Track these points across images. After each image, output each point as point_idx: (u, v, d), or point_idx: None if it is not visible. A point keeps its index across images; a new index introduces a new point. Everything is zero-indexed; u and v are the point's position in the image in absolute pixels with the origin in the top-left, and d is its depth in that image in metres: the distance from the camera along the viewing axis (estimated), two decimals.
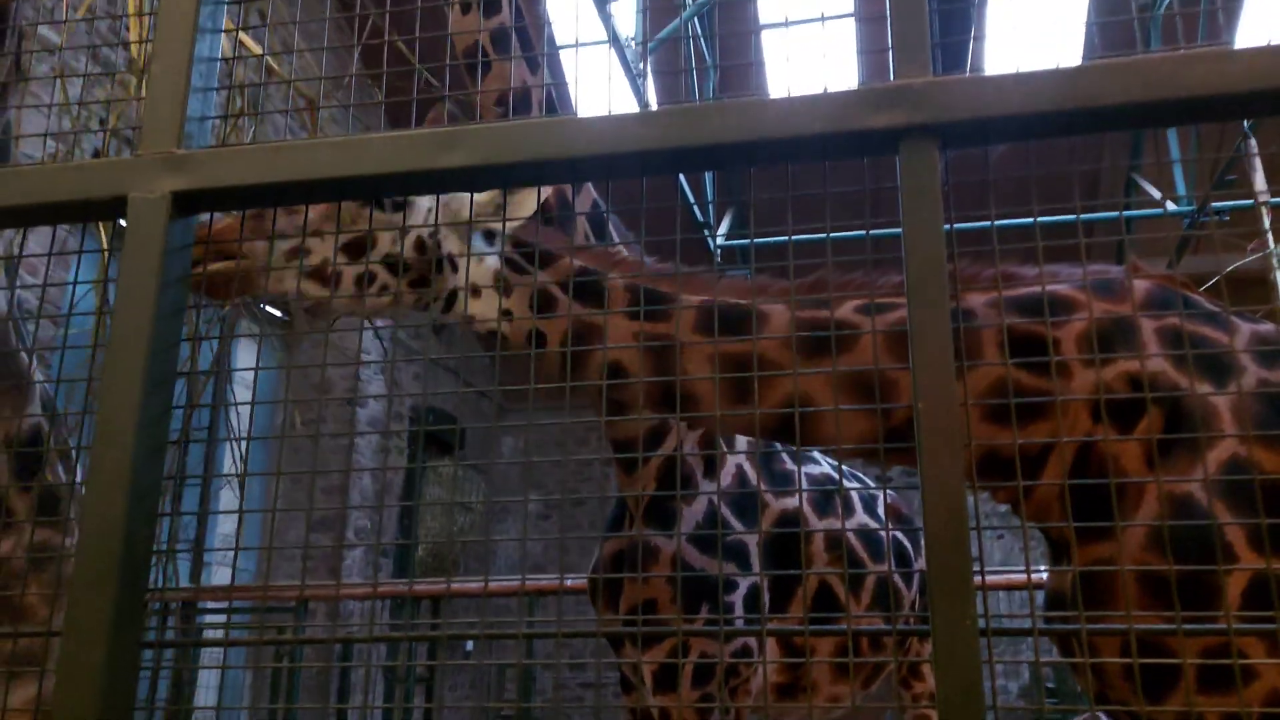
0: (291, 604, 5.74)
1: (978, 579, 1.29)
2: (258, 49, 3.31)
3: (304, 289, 2.07)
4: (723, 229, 8.60)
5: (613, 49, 6.82)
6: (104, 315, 1.65)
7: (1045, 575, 2.03)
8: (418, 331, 9.35)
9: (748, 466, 2.68)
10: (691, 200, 8.19)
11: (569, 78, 7.52)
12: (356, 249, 2.10)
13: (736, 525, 2.58)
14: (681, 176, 7.04)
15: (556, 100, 2.86)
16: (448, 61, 2.00)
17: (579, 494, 10.67)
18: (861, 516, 2.93)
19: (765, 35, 8.20)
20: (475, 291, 2.17)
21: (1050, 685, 5.71)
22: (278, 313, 6.60)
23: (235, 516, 1.71)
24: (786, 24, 7.22)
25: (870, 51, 7.37)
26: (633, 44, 6.96)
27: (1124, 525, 1.73)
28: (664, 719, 2.48)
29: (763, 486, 2.67)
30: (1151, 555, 1.70)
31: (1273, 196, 6.39)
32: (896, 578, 2.92)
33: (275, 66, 3.59)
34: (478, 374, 10.76)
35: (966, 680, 1.22)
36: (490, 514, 10.95)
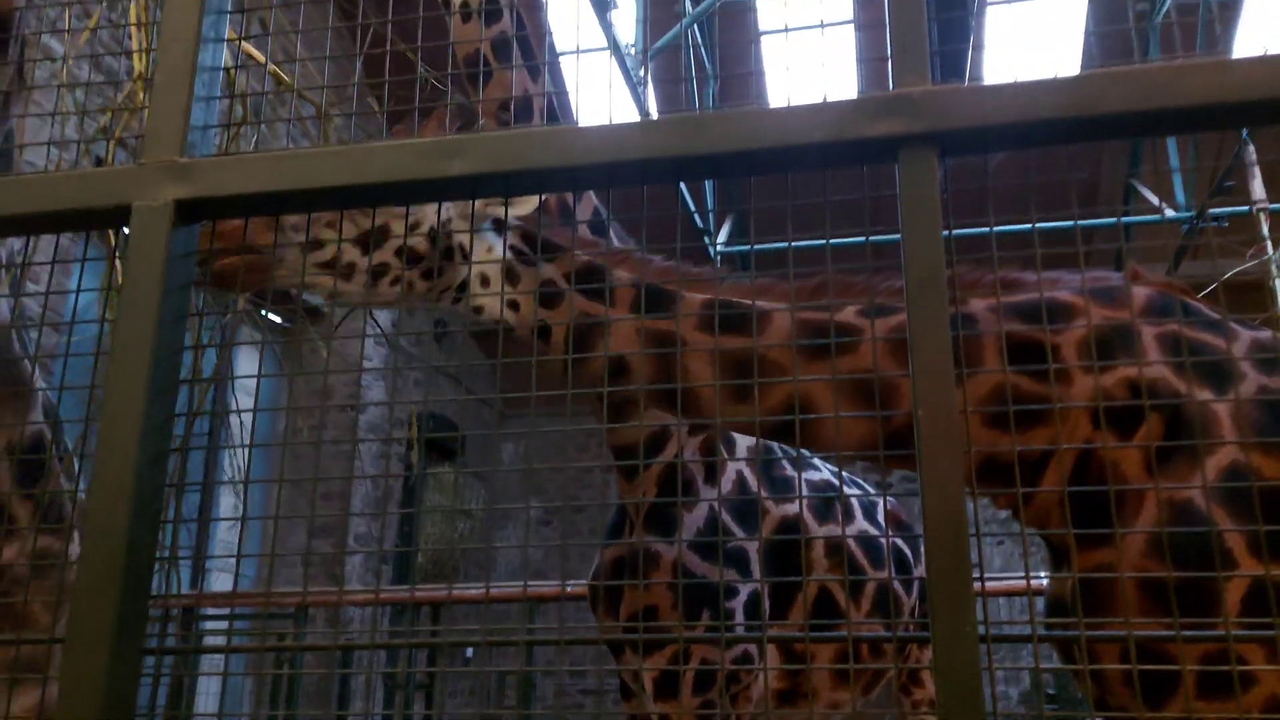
0: (291, 610, 5.73)
1: (977, 585, 1.29)
2: (262, 57, 3.32)
3: (317, 281, 2.08)
4: (722, 236, 8.62)
5: (613, 57, 6.84)
6: (107, 323, 1.66)
7: (1045, 581, 2.04)
8: (419, 339, 9.35)
9: (748, 473, 2.69)
10: (692, 208, 8.20)
11: (570, 85, 7.54)
12: (371, 240, 2.11)
13: (737, 531, 2.58)
14: (682, 184, 7.05)
15: (558, 108, 2.88)
16: (449, 70, 2.01)
17: (579, 500, 10.67)
18: (862, 523, 2.94)
19: (765, 44, 8.23)
20: (484, 282, 2.19)
21: (1050, 691, 5.70)
22: (279, 319, 6.61)
23: (232, 523, 1.72)
24: (786, 30, 7.23)
25: (869, 60, 7.40)
26: (632, 51, 6.98)
27: (1124, 532, 1.73)
28: None
29: (763, 493, 2.67)
30: (1151, 561, 1.70)
31: (1271, 203, 6.40)
32: (897, 584, 2.92)
33: (282, 75, 3.60)
34: (479, 380, 10.77)
35: (966, 686, 1.23)
36: (491, 520, 10.95)
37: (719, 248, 8.49)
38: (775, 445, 2.91)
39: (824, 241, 1.62)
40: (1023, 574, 1.69)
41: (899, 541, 3.04)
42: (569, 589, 3.63)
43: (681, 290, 2.08)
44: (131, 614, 1.45)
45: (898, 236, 1.40)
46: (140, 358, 1.52)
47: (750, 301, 2.04)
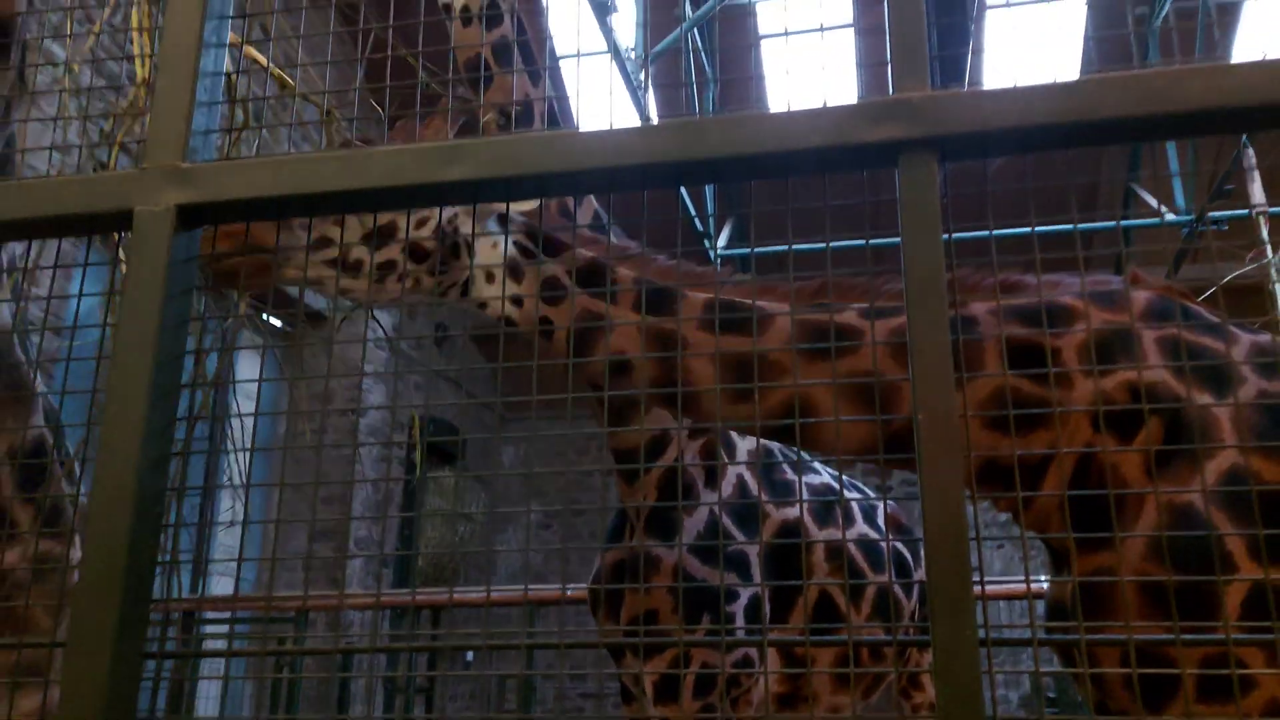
0: (291, 614, 5.74)
1: (978, 589, 1.29)
2: (265, 61, 3.33)
3: (324, 278, 2.09)
4: (722, 240, 8.63)
5: (613, 61, 6.85)
6: (109, 327, 1.66)
7: (1046, 585, 2.04)
8: (419, 342, 9.36)
9: (749, 476, 2.69)
10: (693, 212, 8.21)
11: (570, 90, 7.54)
12: (380, 239, 2.12)
13: (737, 535, 2.58)
14: (682, 189, 7.06)
15: (558, 112, 2.88)
16: (450, 76, 2.01)
17: (580, 504, 10.67)
18: (862, 527, 2.94)
19: (765, 48, 8.24)
20: (489, 276, 2.20)
21: (1051, 695, 5.70)
22: (279, 324, 6.61)
23: (233, 526, 1.72)
24: (786, 34, 7.25)
25: (869, 65, 7.41)
26: (632, 55, 6.99)
27: (1124, 536, 1.74)
28: None
29: (763, 497, 2.68)
30: (1152, 565, 1.70)
31: (1270, 207, 6.41)
32: (897, 588, 2.92)
33: (287, 79, 3.61)
34: (479, 384, 10.77)
35: (966, 690, 1.23)
36: (491, 524, 10.95)
37: (719, 251, 8.50)
38: (776, 449, 2.91)
39: (824, 245, 1.62)
40: (1023, 577, 1.69)
41: (899, 545, 3.04)
42: (569, 592, 3.63)
43: (684, 290, 2.08)
44: (133, 618, 1.45)
45: (898, 240, 1.40)
46: (142, 362, 1.52)
47: (753, 301, 2.05)
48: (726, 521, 2.59)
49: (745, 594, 2.52)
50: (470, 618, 8.17)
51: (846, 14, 8.12)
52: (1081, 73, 1.49)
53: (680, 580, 2.45)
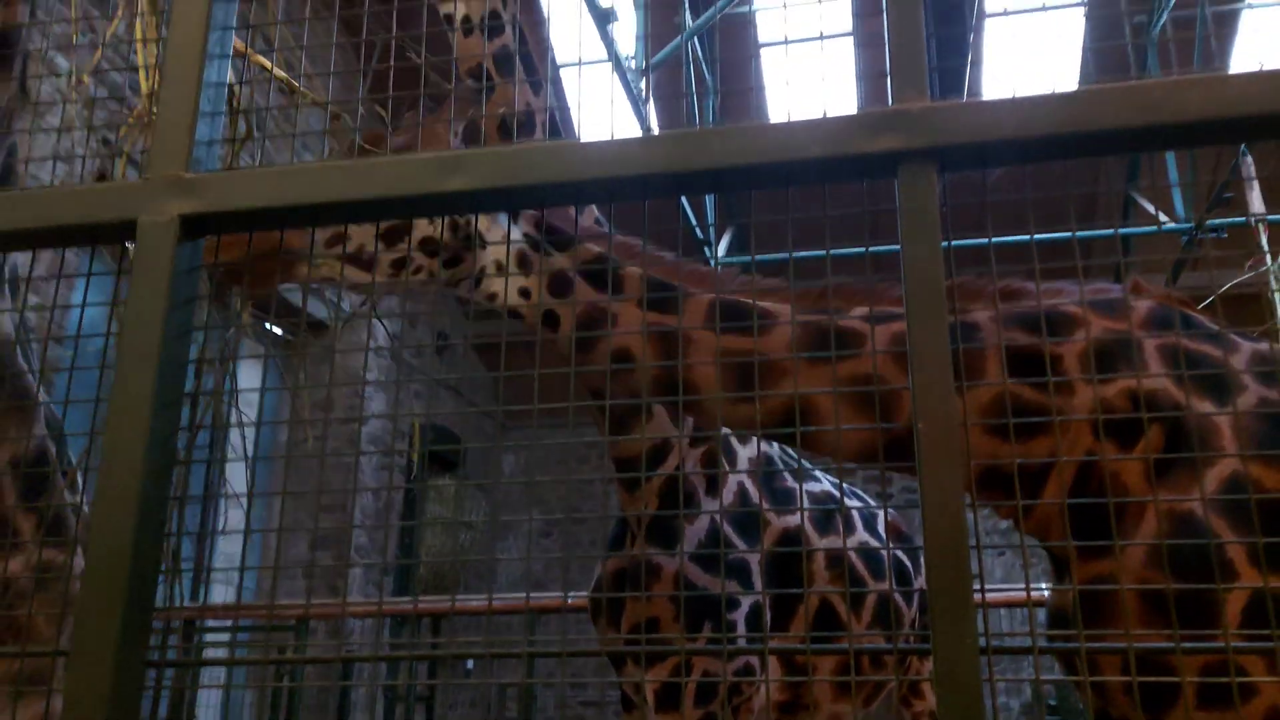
0: (292, 623, 5.73)
1: (978, 596, 1.29)
2: (273, 68, 3.34)
3: (336, 272, 2.11)
4: (722, 249, 8.64)
5: (614, 71, 6.87)
6: (112, 337, 1.67)
7: (1046, 592, 2.04)
8: (420, 351, 9.37)
9: (749, 484, 2.69)
10: (693, 221, 8.23)
11: (571, 99, 7.57)
12: (394, 235, 2.15)
13: (738, 543, 2.59)
14: (683, 198, 7.08)
15: (559, 122, 2.90)
16: (453, 82, 2.02)
17: (580, 512, 10.66)
18: (862, 535, 2.94)
19: (765, 57, 8.26)
20: (499, 268, 2.23)
21: (1052, 702, 5.69)
22: (281, 333, 6.62)
23: (233, 535, 1.73)
24: (786, 43, 7.27)
25: (869, 76, 7.43)
26: (633, 64, 7.01)
27: (1125, 544, 1.74)
28: None
29: (764, 505, 2.68)
30: (1152, 572, 1.71)
31: (1269, 215, 6.42)
32: (897, 596, 2.92)
33: (294, 84, 3.63)
34: (480, 393, 10.78)
35: (967, 698, 1.23)
36: (492, 532, 10.94)
37: (719, 259, 8.51)
38: (776, 457, 2.91)
39: (824, 253, 1.63)
40: (1024, 585, 1.70)
41: (899, 553, 3.04)
42: (570, 600, 3.63)
43: (689, 289, 2.10)
44: (135, 626, 1.45)
45: (897, 248, 1.41)
46: (145, 371, 1.53)
47: (753, 303, 2.06)
48: (727, 529, 2.60)
49: (746, 602, 2.52)
50: (471, 626, 8.17)
51: (846, 23, 8.14)
52: (1080, 83, 1.50)
53: (681, 588, 2.46)
